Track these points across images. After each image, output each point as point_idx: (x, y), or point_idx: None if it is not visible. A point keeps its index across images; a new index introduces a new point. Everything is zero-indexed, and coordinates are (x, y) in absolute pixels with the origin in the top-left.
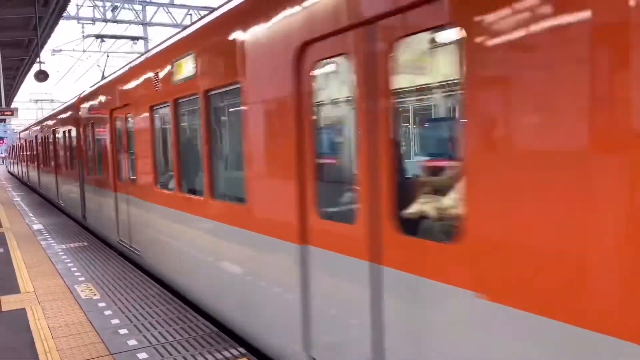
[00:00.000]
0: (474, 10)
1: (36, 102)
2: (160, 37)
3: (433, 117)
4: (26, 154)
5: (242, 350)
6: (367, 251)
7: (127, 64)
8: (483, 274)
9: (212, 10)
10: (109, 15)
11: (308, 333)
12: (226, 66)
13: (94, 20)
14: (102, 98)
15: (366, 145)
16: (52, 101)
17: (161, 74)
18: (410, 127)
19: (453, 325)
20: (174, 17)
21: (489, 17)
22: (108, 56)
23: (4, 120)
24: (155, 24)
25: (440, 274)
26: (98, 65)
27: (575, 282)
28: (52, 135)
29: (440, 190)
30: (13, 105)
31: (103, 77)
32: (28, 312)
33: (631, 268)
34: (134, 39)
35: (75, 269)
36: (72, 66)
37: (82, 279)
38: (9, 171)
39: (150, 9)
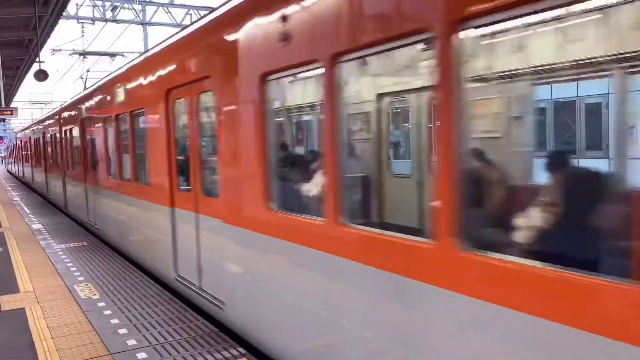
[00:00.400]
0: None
1: (32, 103)
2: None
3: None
4: (22, 154)
5: (241, 350)
6: (194, 207)
7: (89, 87)
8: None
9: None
10: (108, 14)
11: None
12: (135, 98)
13: (93, 20)
14: (74, 110)
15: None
16: (46, 103)
17: (107, 98)
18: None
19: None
20: (173, 17)
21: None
22: (89, 71)
23: (3, 120)
24: (155, 24)
25: (200, 210)
26: (81, 78)
27: None
28: (41, 138)
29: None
30: (13, 105)
31: (85, 88)
32: (27, 311)
33: None
34: (112, 55)
35: (74, 268)
36: (71, 66)
37: (82, 278)
38: (8, 171)
39: (150, 9)
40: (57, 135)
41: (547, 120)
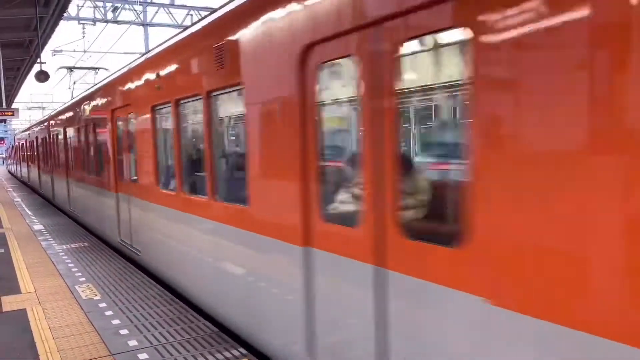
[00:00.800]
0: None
1: (29, 108)
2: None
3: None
4: (20, 154)
5: (242, 350)
6: (183, 207)
7: (67, 102)
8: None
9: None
10: (109, 15)
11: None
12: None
13: (94, 20)
14: (60, 118)
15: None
16: (43, 109)
17: (83, 109)
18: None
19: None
20: (174, 18)
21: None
22: (75, 82)
23: (4, 121)
24: (156, 25)
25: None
26: (69, 88)
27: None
28: (35, 141)
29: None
30: (14, 106)
31: (72, 98)
32: (29, 312)
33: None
34: (96, 69)
35: (76, 269)
36: (72, 66)
37: (83, 279)
38: (9, 171)
39: (150, 10)
40: (46, 139)
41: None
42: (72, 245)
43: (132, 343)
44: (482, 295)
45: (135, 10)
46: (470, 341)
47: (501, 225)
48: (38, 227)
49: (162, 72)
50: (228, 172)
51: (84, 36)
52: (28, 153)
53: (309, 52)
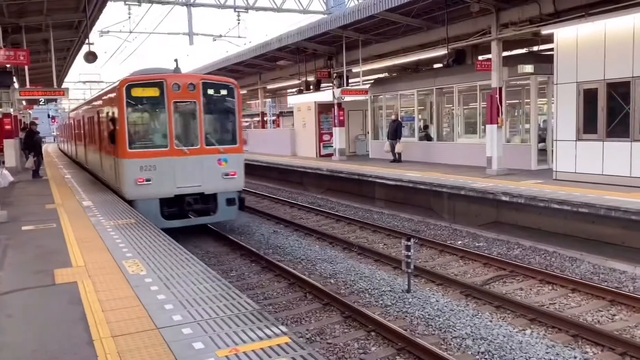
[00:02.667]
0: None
1: (85, 82)
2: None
3: None
4: (67, 133)
5: (283, 328)
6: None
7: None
8: None
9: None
10: None
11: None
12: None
13: (139, 1)
14: (89, 105)
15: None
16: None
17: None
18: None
19: None
20: None
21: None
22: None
23: (55, 100)
24: (199, 5)
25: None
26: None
27: None
28: (75, 121)
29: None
30: (64, 86)
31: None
32: (79, 285)
33: None
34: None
35: (123, 244)
36: (118, 47)
37: (130, 255)
38: (60, 149)
39: None
40: (91, 118)
41: None
42: (119, 222)
43: (177, 318)
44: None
45: None
46: None
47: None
48: (87, 203)
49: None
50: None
51: (129, 17)
52: (75, 131)
53: None
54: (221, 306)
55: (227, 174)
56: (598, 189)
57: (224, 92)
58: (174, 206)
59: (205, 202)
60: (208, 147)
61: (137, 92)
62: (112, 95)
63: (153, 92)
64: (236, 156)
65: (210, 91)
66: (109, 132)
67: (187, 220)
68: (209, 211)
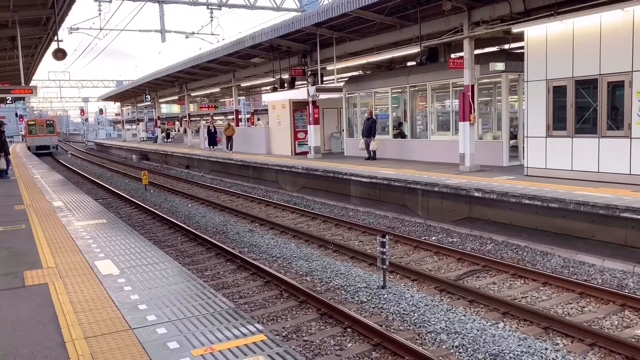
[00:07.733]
0: None
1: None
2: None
3: None
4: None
5: (259, 326)
6: None
7: None
8: None
9: None
10: None
11: None
12: None
13: None
14: None
15: None
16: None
17: None
18: None
19: None
20: None
21: None
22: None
23: (23, 99)
24: (171, 2)
25: None
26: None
27: None
28: None
29: None
30: (32, 84)
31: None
32: (50, 287)
33: None
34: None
35: (95, 245)
36: (89, 44)
37: (102, 255)
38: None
39: None
40: None
41: None
42: (91, 222)
43: (151, 318)
44: None
45: None
46: None
47: None
48: (57, 203)
49: None
50: None
51: (99, 14)
52: None
53: None
54: (196, 305)
55: None
56: (568, 185)
57: None
58: None
59: None
60: None
61: None
62: None
63: None
64: None
65: None
66: None
67: None
68: None
